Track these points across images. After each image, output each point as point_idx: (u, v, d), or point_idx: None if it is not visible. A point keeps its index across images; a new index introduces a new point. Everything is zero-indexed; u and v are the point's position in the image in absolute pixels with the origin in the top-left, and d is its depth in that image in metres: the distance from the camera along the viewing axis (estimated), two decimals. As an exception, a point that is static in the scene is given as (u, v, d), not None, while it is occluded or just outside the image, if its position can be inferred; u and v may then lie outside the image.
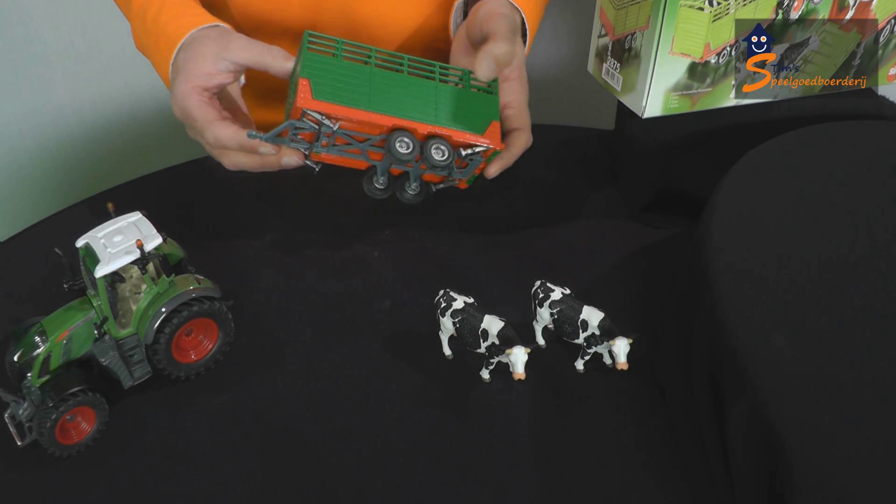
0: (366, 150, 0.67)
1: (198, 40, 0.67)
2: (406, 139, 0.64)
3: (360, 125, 0.64)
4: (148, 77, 1.35)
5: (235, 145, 0.65)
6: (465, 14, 0.78)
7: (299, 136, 0.66)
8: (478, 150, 0.67)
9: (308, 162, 0.68)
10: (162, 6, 0.71)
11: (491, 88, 0.69)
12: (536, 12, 0.78)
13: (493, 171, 0.69)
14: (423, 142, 0.65)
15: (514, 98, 0.72)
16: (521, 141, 0.70)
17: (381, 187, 0.69)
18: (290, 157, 0.66)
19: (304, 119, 0.63)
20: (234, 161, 0.67)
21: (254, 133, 0.63)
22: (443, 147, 0.65)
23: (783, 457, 0.43)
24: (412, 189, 0.69)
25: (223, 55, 0.65)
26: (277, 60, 0.66)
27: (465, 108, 0.67)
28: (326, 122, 0.63)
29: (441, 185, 0.72)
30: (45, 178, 1.41)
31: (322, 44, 0.65)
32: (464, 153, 0.67)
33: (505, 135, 0.70)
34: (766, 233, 0.58)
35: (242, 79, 0.71)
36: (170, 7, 0.71)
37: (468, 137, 0.66)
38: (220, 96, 0.68)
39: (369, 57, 0.66)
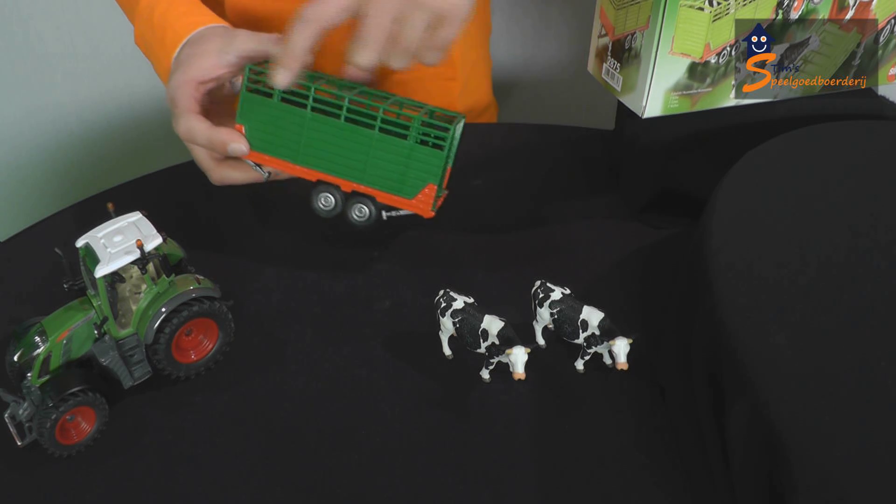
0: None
1: (204, 37, 0.67)
2: (329, 194, 0.65)
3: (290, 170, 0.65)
4: (148, 77, 1.35)
5: (204, 139, 0.64)
6: None
7: None
8: (402, 213, 0.65)
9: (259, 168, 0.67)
10: (171, 3, 0.71)
11: (441, 141, 0.61)
12: None
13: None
14: (348, 197, 0.65)
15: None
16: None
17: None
18: (237, 145, 0.64)
19: None
20: (221, 176, 0.67)
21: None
22: (365, 207, 0.65)
23: (783, 457, 0.43)
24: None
25: (226, 49, 0.65)
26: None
27: (400, 165, 0.63)
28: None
29: (394, 213, 0.66)
30: (45, 178, 1.41)
31: (262, 80, 0.62)
32: (385, 215, 0.65)
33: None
34: (766, 233, 0.58)
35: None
36: (179, 5, 0.71)
37: (394, 200, 0.64)
38: (216, 98, 0.68)
39: (307, 98, 0.61)
